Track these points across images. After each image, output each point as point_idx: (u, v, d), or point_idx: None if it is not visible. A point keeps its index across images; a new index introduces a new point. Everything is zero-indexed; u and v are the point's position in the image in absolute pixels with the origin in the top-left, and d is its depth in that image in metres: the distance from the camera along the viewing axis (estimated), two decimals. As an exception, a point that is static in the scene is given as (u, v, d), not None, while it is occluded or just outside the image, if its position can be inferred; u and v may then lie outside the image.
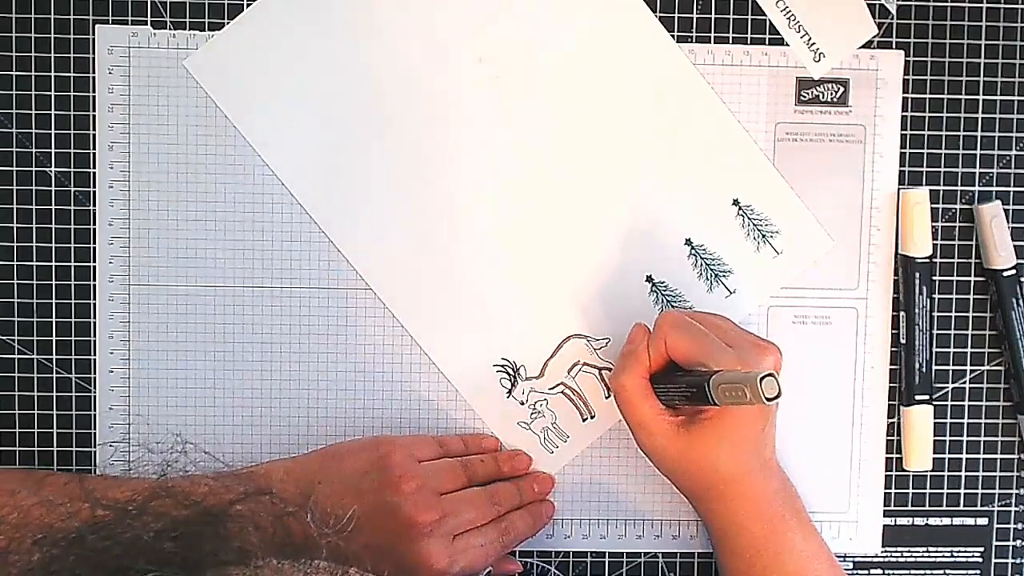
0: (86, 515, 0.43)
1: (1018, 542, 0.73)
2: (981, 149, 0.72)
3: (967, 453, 0.73)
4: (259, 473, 0.66)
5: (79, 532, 0.41)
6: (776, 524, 0.63)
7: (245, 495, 0.45)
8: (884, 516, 0.73)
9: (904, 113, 0.71)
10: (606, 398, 0.71)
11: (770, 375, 0.55)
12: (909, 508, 0.73)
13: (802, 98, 0.71)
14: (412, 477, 0.63)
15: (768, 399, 0.55)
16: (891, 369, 0.72)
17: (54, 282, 0.69)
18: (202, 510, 0.42)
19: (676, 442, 0.63)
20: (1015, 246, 0.71)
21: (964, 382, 0.73)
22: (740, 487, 0.63)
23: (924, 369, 0.71)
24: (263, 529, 0.43)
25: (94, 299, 0.69)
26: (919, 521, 0.73)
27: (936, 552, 0.73)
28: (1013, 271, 0.71)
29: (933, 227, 0.71)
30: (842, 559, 0.73)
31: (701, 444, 0.62)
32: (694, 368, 0.62)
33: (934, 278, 0.72)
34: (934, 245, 0.71)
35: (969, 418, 0.73)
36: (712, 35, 0.71)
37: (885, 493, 0.73)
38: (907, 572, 0.73)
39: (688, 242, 0.71)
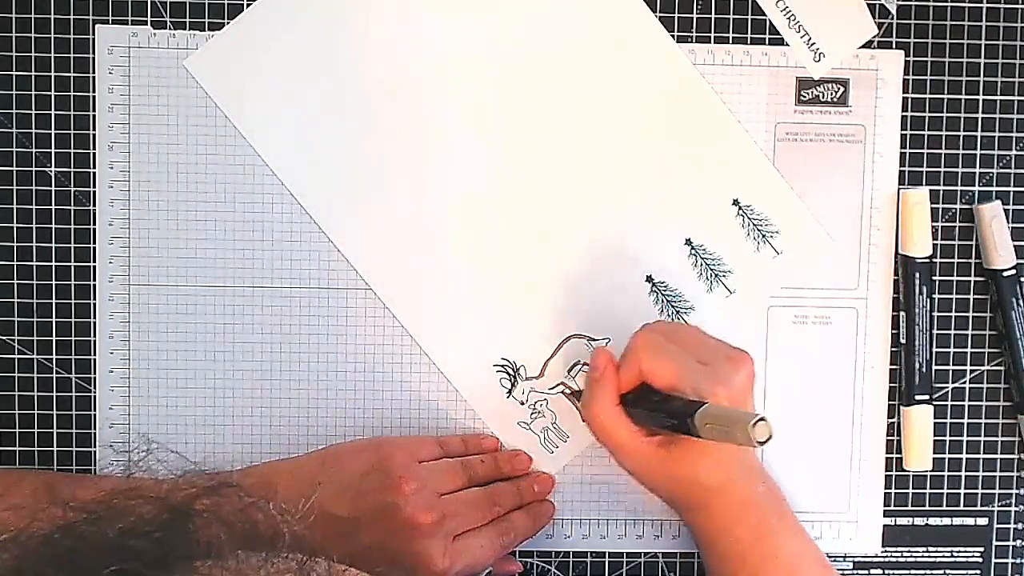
0: (54, 517, 0.44)
1: (1018, 542, 0.73)
2: (981, 149, 0.72)
3: (967, 453, 0.73)
4: (258, 473, 0.66)
5: (46, 534, 0.41)
6: (762, 528, 0.63)
7: (208, 489, 0.45)
8: (884, 516, 0.73)
9: (904, 113, 0.71)
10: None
11: (762, 419, 0.54)
12: (909, 508, 0.73)
13: (802, 98, 0.71)
14: (412, 478, 0.63)
15: (760, 443, 0.54)
16: (891, 369, 0.72)
17: (54, 282, 0.69)
18: (167, 506, 0.42)
19: (656, 461, 0.63)
20: (1015, 246, 0.71)
21: (964, 382, 0.73)
22: (723, 496, 0.63)
23: (924, 369, 0.71)
24: (229, 523, 0.43)
25: (94, 299, 0.69)
26: (919, 521, 0.73)
27: (936, 552, 0.73)
28: (1013, 271, 0.71)
29: (933, 227, 0.71)
30: (842, 559, 0.73)
31: (682, 461, 0.62)
32: (670, 393, 0.61)
33: (934, 278, 0.72)
34: (934, 245, 0.71)
35: (969, 418, 0.73)
36: (712, 35, 0.71)
37: (885, 493, 0.73)
38: (907, 572, 0.73)
39: (688, 242, 0.71)
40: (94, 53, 0.69)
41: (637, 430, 0.63)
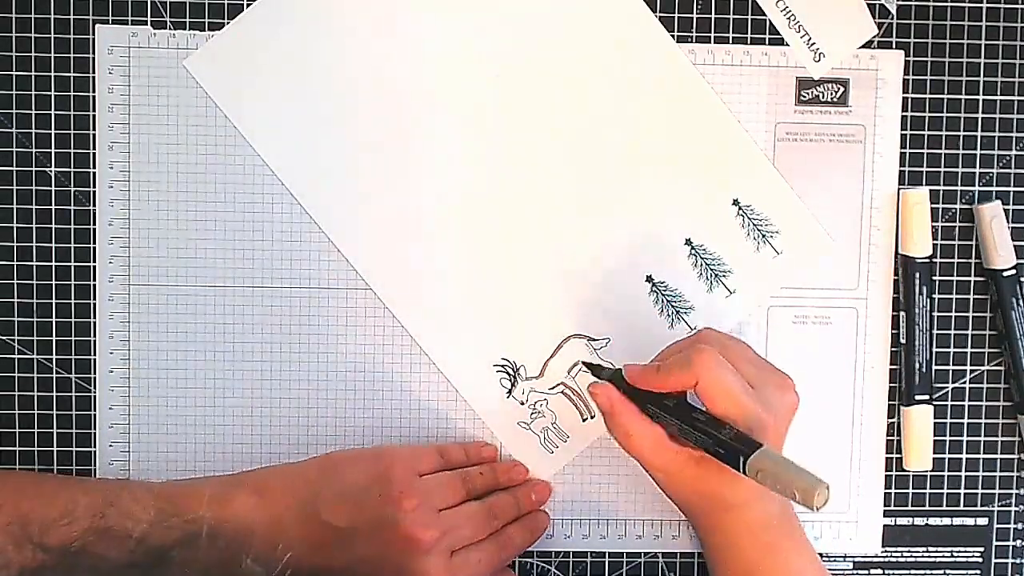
0: (24, 559, 0.43)
1: (1018, 542, 0.73)
2: (981, 149, 0.72)
3: (967, 453, 0.73)
4: (256, 478, 0.65)
5: None
6: (772, 545, 0.63)
7: (185, 537, 0.44)
8: (884, 516, 0.73)
9: (904, 113, 0.71)
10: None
11: (826, 487, 0.54)
12: (909, 508, 0.73)
13: (802, 98, 0.71)
14: (413, 494, 0.63)
15: (817, 508, 0.54)
16: (891, 369, 0.72)
17: (54, 282, 0.69)
18: (141, 553, 0.42)
19: (688, 475, 0.62)
20: (1015, 246, 0.71)
21: (964, 382, 0.73)
22: (741, 512, 0.62)
23: (924, 369, 0.71)
24: (206, 573, 0.43)
25: (94, 299, 0.69)
26: (919, 521, 0.73)
27: (936, 552, 0.73)
28: (1013, 271, 0.71)
29: (933, 227, 0.71)
30: (842, 559, 0.73)
31: (709, 477, 0.61)
32: (720, 416, 0.60)
33: (934, 278, 0.72)
34: (934, 245, 0.71)
35: (969, 418, 0.73)
36: (712, 35, 0.71)
37: (885, 493, 0.73)
38: (907, 572, 0.73)
39: (688, 242, 0.71)
40: (94, 53, 0.69)
41: (675, 449, 0.61)
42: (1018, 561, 0.73)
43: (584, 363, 0.70)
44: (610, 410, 0.63)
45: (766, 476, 0.56)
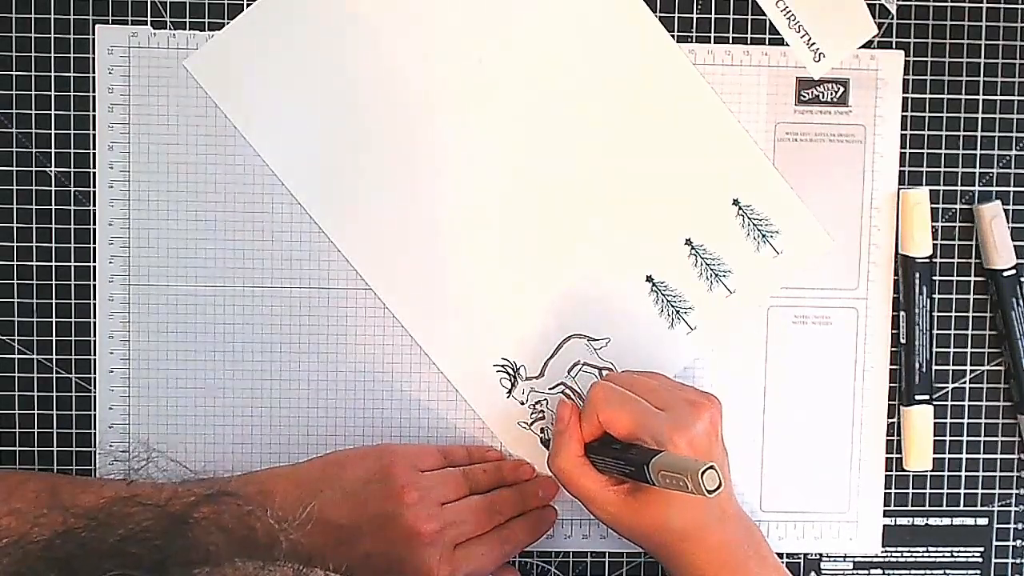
0: (55, 522, 0.44)
1: (1018, 542, 0.73)
2: (981, 149, 0.72)
3: (967, 453, 0.73)
4: (258, 480, 0.65)
5: (47, 539, 0.41)
6: (737, 568, 0.62)
7: (207, 497, 0.45)
8: (884, 516, 0.73)
9: (904, 113, 0.71)
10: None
11: (711, 467, 0.54)
12: (909, 508, 0.73)
13: (802, 98, 0.71)
14: (414, 487, 0.63)
15: (709, 491, 0.54)
16: (891, 369, 0.72)
17: (54, 282, 0.69)
18: (166, 514, 0.43)
19: (625, 510, 0.62)
20: (1015, 246, 0.71)
21: (964, 382, 0.73)
22: (697, 542, 0.62)
23: (924, 369, 0.71)
24: (227, 530, 0.43)
25: (94, 299, 0.69)
26: (919, 521, 0.73)
27: (936, 552, 0.73)
28: (1013, 271, 0.71)
29: (933, 227, 0.71)
30: (842, 559, 0.73)
31: (650, 508, 0.61)
32: (632, 441, 0.61)
33: (934, 278, 0.72)
34: (934, 245, 0.71)
35: (969, 418, 0.73)
36: (712, 35, 0.71)
37: (885, 493, 0.73)
38: (907, 572, 0.73)
39: (688, 242, 0.71)
40: (94, 53, 0.69)
41: (604, 479, 0.63)
42: (1018, 561, 0.73)
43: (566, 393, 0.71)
44: (565, 426, 0.64)
45: (667, 478, 0.56)
